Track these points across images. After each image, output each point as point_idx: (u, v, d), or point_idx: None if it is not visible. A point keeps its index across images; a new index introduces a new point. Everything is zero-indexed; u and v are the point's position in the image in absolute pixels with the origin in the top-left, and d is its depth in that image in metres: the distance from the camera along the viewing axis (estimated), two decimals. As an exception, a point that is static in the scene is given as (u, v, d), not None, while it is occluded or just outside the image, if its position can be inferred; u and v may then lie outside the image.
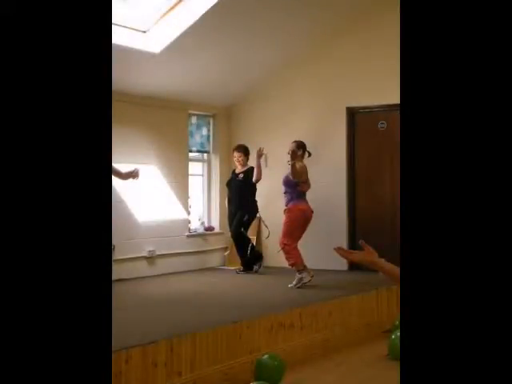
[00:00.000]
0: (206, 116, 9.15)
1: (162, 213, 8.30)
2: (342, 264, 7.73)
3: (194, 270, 8.49)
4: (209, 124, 9.19)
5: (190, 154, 8.89)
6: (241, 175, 8.27)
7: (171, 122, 8.46)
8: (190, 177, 8.83)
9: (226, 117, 9.28)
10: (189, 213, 8.76)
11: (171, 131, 8.44)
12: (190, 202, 8.85)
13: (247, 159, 8.33)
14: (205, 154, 9.25)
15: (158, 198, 8.26)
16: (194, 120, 8.98)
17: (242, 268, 8.29)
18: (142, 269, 8.00)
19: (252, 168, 8.09)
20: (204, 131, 9.17)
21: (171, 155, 8.40)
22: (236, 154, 8.34)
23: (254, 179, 8.02)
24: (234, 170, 8.45)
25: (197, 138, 9.04)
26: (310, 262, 7.20)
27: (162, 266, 8.22)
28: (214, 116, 9.21)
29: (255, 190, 8.21)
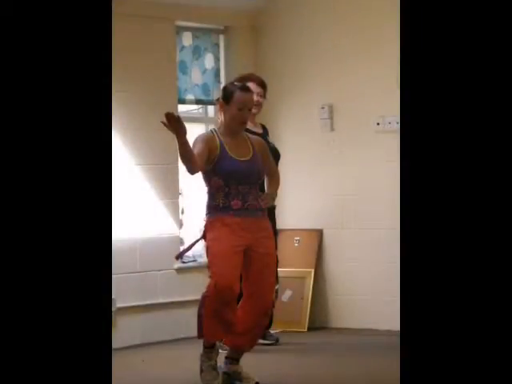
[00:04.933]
0: (210, 31, 6.24)
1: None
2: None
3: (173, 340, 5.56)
4: (217, 47, 6.25)
5: (182, 108, 5.99)
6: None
7: (145, 44, 5.63)
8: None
9: (247, 33, 6.30)
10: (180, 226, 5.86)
11: (146, 65, 5.63)
12: (182, 203, 6.00)
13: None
14: (209, 107, 6.22)
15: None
16: (187, 39, 6.06)
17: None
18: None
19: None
20: (208, 61, 6.20)
21: (144, 109, 5.56)
22: (257, 90, 5.27)
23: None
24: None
25: (194, 76, 6.10)
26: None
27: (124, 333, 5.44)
28: (225, 31, 6.29)
29: None
